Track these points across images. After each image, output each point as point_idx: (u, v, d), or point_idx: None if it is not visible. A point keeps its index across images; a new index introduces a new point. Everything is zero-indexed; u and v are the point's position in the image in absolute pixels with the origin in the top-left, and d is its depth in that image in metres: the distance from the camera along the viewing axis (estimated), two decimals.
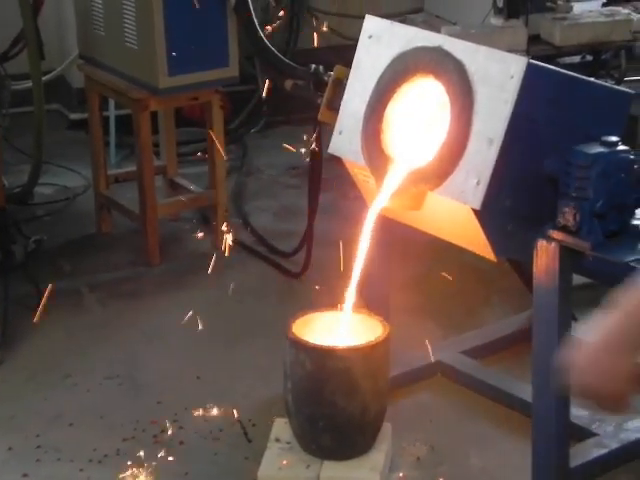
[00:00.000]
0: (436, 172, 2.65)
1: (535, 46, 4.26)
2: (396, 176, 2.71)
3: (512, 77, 2.53)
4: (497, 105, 2.56)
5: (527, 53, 4.16)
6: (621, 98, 2.75)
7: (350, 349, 2.75)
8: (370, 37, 2.88)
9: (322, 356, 2.73)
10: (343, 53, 3.01)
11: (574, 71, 2.98)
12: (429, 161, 2.67)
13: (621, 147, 2.59)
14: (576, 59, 4.44)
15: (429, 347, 3.21)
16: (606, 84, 2.82)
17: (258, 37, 3.65)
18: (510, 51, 3.78)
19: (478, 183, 2.56)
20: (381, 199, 2.73)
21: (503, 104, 2.54)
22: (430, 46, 2.73)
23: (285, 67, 3.51)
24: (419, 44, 2.75)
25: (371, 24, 2.90)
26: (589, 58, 4.46)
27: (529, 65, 2.53)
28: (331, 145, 2.94)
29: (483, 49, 2.66)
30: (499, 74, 2.57)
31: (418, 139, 2.74)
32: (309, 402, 2.75)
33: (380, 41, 2.85)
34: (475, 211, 2.57)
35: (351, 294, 2.80)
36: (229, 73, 3.98)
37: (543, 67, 2.62)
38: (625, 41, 4.42)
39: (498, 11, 4.21)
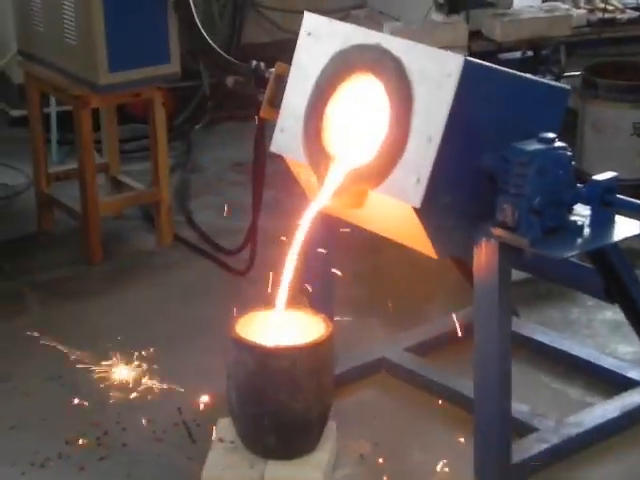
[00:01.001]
0: (376, 170, 2.65)
1: (476, 42, 4.30)
2: (337, 174, 2.71)
3: (449, 75, 2.53)
4: (435, 103, 2.56)
5: (468, 49, 4.19)
6: (559, 94, 2.77)
7: (293, 348, 2.74)
8: (309, 34, 2.87)
9: (264, 355, 2.72)
10: (288, 48, 2.98)
11: (515, 67, 3.00)
12: (369, 159, 2.67)
13: (558, 144, 2.61)
14: (517, 55, 4.48)
15: (373, 344, 3.23)
16: (543, 80, 2.81)
17: (198, 33, 3.62)
18: (451, 47, 3.83)
19: (418, 181, 2.56)
20: (322, 197, 2.73)
21: (441, 102, 2.54)
22: (368, 44, 2.72)
23: (226, 63, 3.47)
24: (358, 42, 2.74)
25: (310, 21, 2.89)
26: (529, 54, 4.49)
27: (466, 63, 2.53)
28: (273, 143, 2.93)
29: (421, 47, 2.67)
30: (437, 72, 2.57)
31: (358, 137, 2.74)
32: (252, 401, 2.74)
33: (319, 38, 2.84)
34: (415, 209, 2.58)
35: (283, 291, 2.79)
36: (170, 69, 3.95)
37: (480, 65, 2.62)
38: (564, 36, 4.47)
39: (439, 7, 4.23)
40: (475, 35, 4.35)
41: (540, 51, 4.51)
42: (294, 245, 2.74)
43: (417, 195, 2.56)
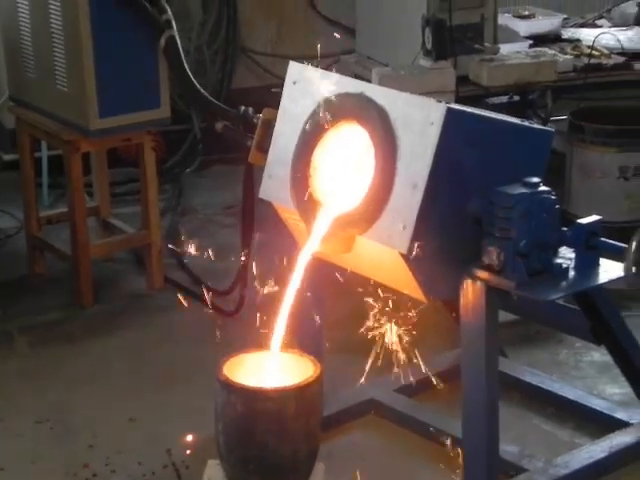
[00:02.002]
0: (363, 216, 2.69)
1: (464, 87, 4.34)
2: (325, 221, 2.75)
3: (432, 124, 2.57)
4: (419, 151, 2.60)
5: (456, 93, 4.25)
6: (543, 137, 2.81)
7: (280, 390, 2.75)
8: (294, 83, 2.91)
9: (252, 397, 2.73)
10: (278, 93, 3.02)
11: (502, 111, 3.05)
12: (356, 206, 2.71)
13: (542, 188, 2.65)
14: (504, 99, 4.54)
15: (362, 385, 3.21)
16: (527, 124, 2.84)
17: (187, 79, 3.67)
18: (440, 92, 3.90)
19: (404, 228, 2.59)
20: (311, 244, 2.76)
21: (425, 150, 2.58)
22: (353, 92, 2.76)
23: (215, 108, 3.53)
24: (342, 90, 2.78)
25: (294, 70, 2.94)
26: (516, 98, 4.55)
27: (448, 111, 2.57)
28: (261, 189, 2.97)
29: (404, 95, 2.70)
30: (420, 120, 2.60)
31: (345, 184, 2.78)
32: (240, 444, 2.73)
33: (304, 87, 2.88)
34: (402, 255, 2.61)
35: (280, 334, 2.82)
36: (160, 114, 4.01)
37: (463, 112, 2.66)
38: (551, 81, 4.53)
39: (427, 53, 4.28)
40: (463, 80, 4.41)
41: (527, 95, 4.57)
42: (287, 291, 2.78)
43: (404, 241, 2.59)
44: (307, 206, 2.80)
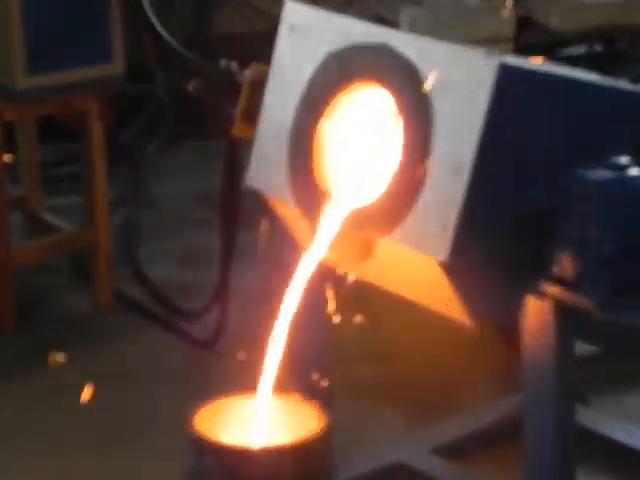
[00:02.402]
0: (387, 213, 2.68)
1: (526, 33, 4.34)
2: (335, 218, 2.75)
3: (480, 86, 2.56)
4: (463, 124, 2.59)
5: (514, 42, 4.24)
6: (634, 101, 2.80)
7: (274, 450, 2.72)
8: (292, 29, 2.92)
9: (234, 460, 2.69)
10: (273, 41, 3.02)
11: (578, 66, 3.04)
12: (377, 198, 2.71)
13: (635, 171, 2.63)
14: (581, 50, 4.53)
15: (387, 444, 3.26)
16: (615, 84, 2.82)
17: (147, 20, 3.67)
18: (491, 41, 3.87)
19: (443, 227, 2.58)
20: (316, 250, 2.75)
21: (471, 122, 2.57)
22: (372, 43, 2.75)
23: (186, 62, 3.52)
24: (358, 40, 2.78)
25: (292, 12, 2.94)
26: (598, 48, 4.54)
27: (502, 68, 2.55)
28: (249, 175, 2.99)
29: (442, 47, 2.69)
30: (464, 82, 2.60)
31: (362, 169, 2.79)
32: None
33: (306, 35, 2.88)
34: (441, 264, 2.59)
35: (273, 371, 2.80)
36: (111, 70, 4.03)
37: (522, 69, 2.66)
38: None
39: None
40: (525, 24, 4.41)
41: (613, 44, 4.56)
42: (284, 311, 2.76)
43: (443, 246, 2.58)
44: (311, 198, 2.80)
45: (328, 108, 2.81)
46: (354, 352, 3.30)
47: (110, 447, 3.43)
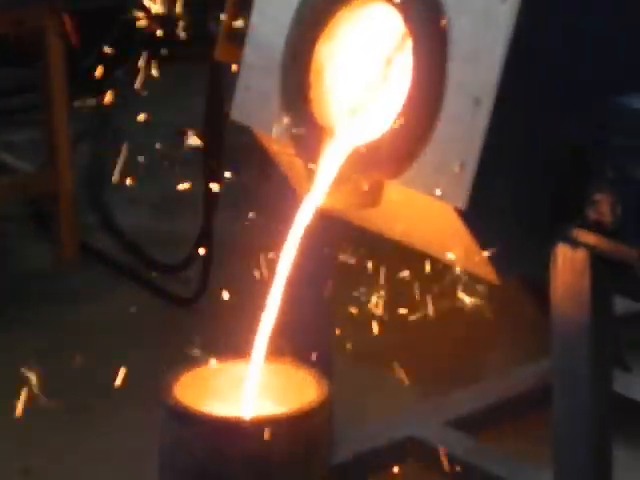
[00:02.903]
0: (396, 152, 2.61)
1: None
2: (336, 158, 2.68)
3: (504, 1, 2.47)
4: (484, 44, 2.51)
5: None
6: None
7: (264, 421, 2.66)
8: None
9: (220, 433, 2.66)
10: None
11: None
12: (384, 134, 2.64)
13: None
14: None
15: (396, 416, 3.30)
16: None
17: None
18: None
19: (462, 168, 2.50)
20: (315, 194, 2.70)
21: (493, 43, 2.49)
22: None
23: None
24: None
25: None
26: None
27: None
28: (234, 107, 2.93)
29: None
30: None
31: (367, 99, 2.74)
32: None
33: None
34: (459, 211, 2.53)
35: (266, 333, 2.74)
36: None
37: None
38: None
39: None
40: None
41: None
42: (281, 264, 2.72)
43: (461, 190, 2.51)
44: (308, 135, 2.73)
45: (326, 28, 2.75)
46: (357, 315, 3.18)
47: (78, 422, 3.43)
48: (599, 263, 2.54)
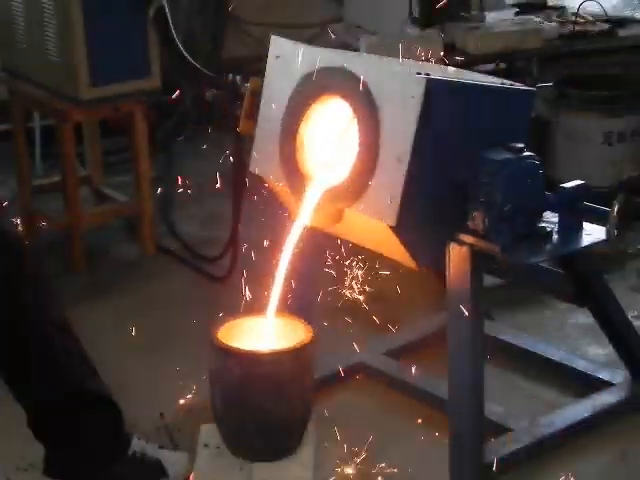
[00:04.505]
0: (350, 190, 2.67)
1: (451, 54, 4.32)
2: (314, 194, 2.74)
3: (413, 97, 2.53)
4: (401, 124, 2.56)
5: (443, 62, 4.23)
6: (524, 96, 2.79)
7: (277, 353, 2.76)
8: (277, 57, 2.89)
9: (249, 361, 2.73)
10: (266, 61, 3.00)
11: None
12: (343, 180, 2.69)
13: (527, 153, 2.64)
14: (490, 67, 4.52)
15: (351, 349, 3.25)
16: (507, 86, 2.79)
17: (176, 48, 3.66)
18: (427, 60, 3.87)
19: (391, 201, 2.57)
20: (302, 218, 2.77)
21: (407, 123, 2.55)
22: (334, 66, 2.73)
23: (203, 77, 3.52)
24: (323, 64, 2.76)
25: (277, 45, 2.92)
26: (503, 66, 4.54)
27: (429, 83, 2.53)
28: (252, 163, 2.96)
29: (385, 68, 2.68)
30: (401, 94, 2.57)
31: (332, 157, 2.77)
32: (238, 407, 2.75)
33: (286, 62, 2.85)
34: (392, 227, 2.60)
35: (274, 301, 2.83)
36: (151, 83, 3.99)
37: (443, 81, 2.62)
38: (536, 49, 4.52)
39: (414, 21, 4.26)
40: (450, 48, 4.39)
41: (513, 63, 4.56)
42: (281, 267, 2.78)
43: (392, 214, 2.57)
44: (296, 180, 2.79)
45: (305, 115, 2.79)
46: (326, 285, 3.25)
47: (155, 355, 3.43)
48: (475, 254, 2.64)
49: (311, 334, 2.80)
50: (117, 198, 4.34)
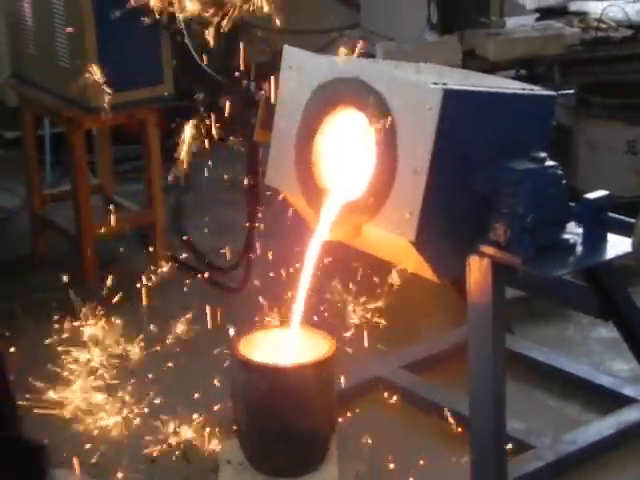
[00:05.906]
0: (368, 205, 2.67)
1: (470, 61, 4.32)
2: (332, 209, 2.74)
3: (430, 109, 2.52)
4: (419, 136, 2.55)
5: (462, 68, 4.22)
6: (544, 102, 2.78)
7: (301, 366, 2.77)
8: (290, 68, 2.89)
9: (273, 375, 2.74)
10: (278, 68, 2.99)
11: None
12: (361, 194, 2.69)
13: (549, 162, 2.64)
14: (511, 73, 4.51)
15: (369, 362, 3.27)
16: (527, 91, 2.78)
17: (189, 54, 3.66)
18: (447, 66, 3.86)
19: (410, 214, 2.57)
20: (320, 232, 2.76)
21: (424, 135, 2.54)
22: (348, 77, 2.72)
23: (218, 84, 3.52)
24: (337, 75, 2.75)
25: (290, 55, 2.91)
26: (523, 72, 4.53)
27: (445, 94, 2.52)
28: (267, 176, 2.98)
29: (400, 79, 2.66)
30: (417, 105, 2.56)
31: (350, 170, 2.76)
32: (262, 422, 2.77)
33: (300, 72, 2.86)
34: (412, 242, 2.60)
35: (298, 315, 2.83)
36: (164, 90, 4.00)
37: (460, 91, 2.61)
38: (558, 55, 4.51)
39: (433, 27, 4.25)
40: (469, 54, 4.38)
41: (534, 69, 4.55)
42: (303, 281, 2.78)
43: (411, 228, 2.58)
44: (313, 194, 2.79)
45: (321, 126, 2.78)
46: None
47: (169, 367, 3.40)
48: (496, 267, 2.65)
49: (333, 346, 2.83)
50: (129, 207, 4.33)
